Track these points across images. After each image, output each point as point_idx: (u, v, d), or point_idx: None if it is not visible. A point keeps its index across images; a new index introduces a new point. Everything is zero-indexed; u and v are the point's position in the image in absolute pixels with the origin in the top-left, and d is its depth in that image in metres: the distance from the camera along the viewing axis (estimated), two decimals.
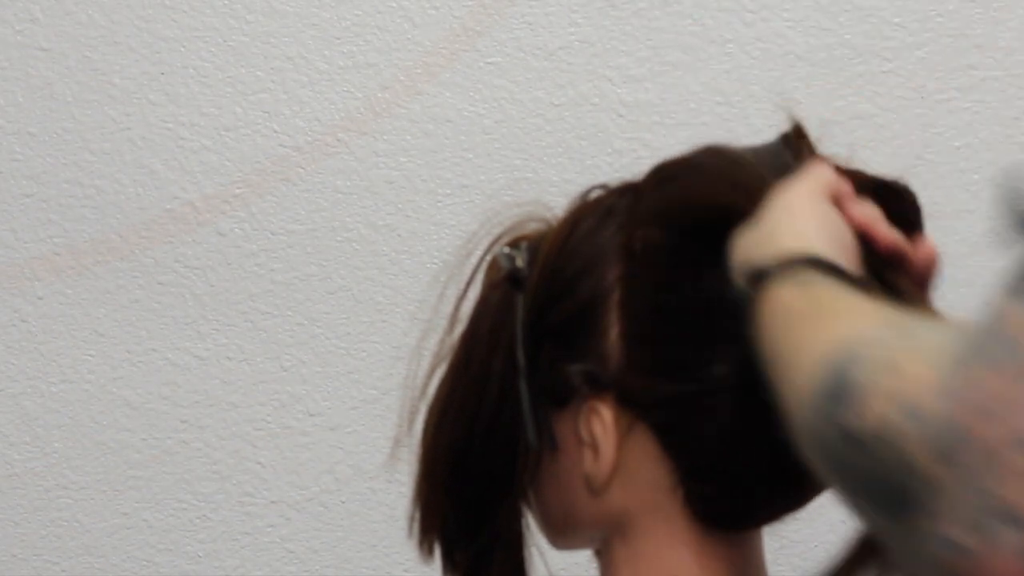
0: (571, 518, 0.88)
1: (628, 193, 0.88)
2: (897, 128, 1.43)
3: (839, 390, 0.62)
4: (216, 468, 1.47)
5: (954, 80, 1.43)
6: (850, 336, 0.66)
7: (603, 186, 0.90)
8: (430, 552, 0.89)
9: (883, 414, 0.60)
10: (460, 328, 0.90)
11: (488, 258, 0.90)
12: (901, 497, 0.59)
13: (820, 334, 0.69)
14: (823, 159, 0.86)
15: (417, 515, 0.89)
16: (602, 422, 0.84)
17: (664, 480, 0.85)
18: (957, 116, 1.43)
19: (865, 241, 0.82)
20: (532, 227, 0.90)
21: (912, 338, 0.63)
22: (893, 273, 0.83)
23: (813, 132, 0.88)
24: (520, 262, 0.87)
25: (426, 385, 0.90)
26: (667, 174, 0.88)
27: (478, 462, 0.87)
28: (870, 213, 0.83)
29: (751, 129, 1.35)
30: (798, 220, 0.79)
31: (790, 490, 0.86)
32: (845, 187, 0.82)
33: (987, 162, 1.42)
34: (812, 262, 0.75)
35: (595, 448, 0.85)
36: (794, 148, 0.87)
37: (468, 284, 0.91)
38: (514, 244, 0.89)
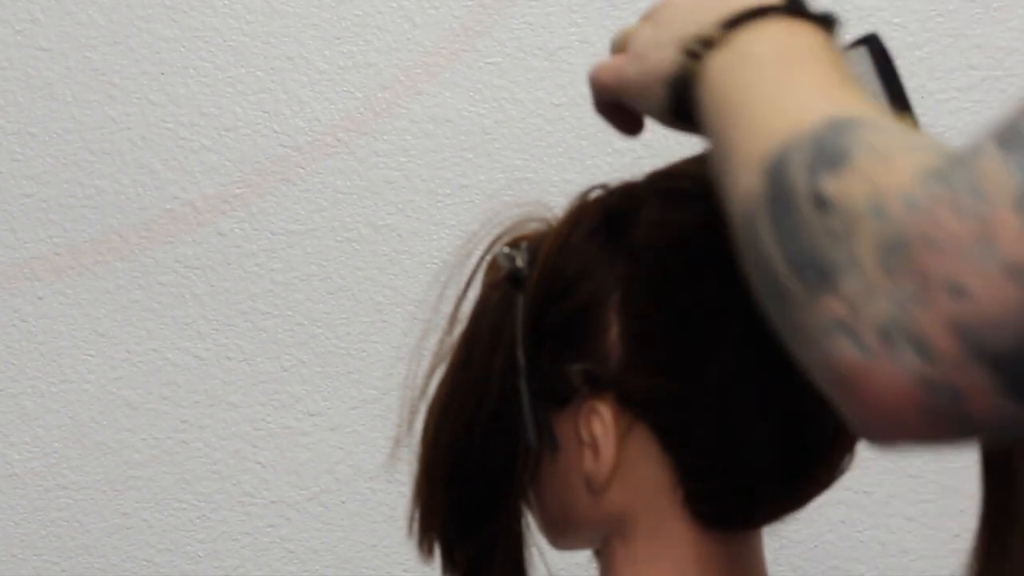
0: (571, 518, 0.88)
1: (628, 193, 0.88)
2: None
3: (834, 152, 0.62)
4: (216, 468, 1.47)
5: (954, 80, 1.43)
6: (852, 103, 0.66)
7: (603, 186, 0.90)
8: (430, 552, 0.89)
9: (857, 194, 0.60)
10: (460, 328, 0.90)
11: (488, 258, 0.90)
12: (829, 275, 0.60)
13: (816, 84, 0.68)
14: None
15: (417, 515, 0.89)
16: (602, 422, 0.84)
17: (664, 480, 0.85)
18: (957, 116, 1.43)
19: None
20: (532, 227, 0.90)
21: (909, 136, 0.64)
22: None
23: None
24: (520, 262, 0.87)
25: (426, 385, 0.90)
26: (667, 175, 0.88)
27: (478, 462, 0.87)
28: None
29: None
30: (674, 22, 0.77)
31: (790, 490, 0.86)
32: None
33: None
34: (782, 8, 0.73)
35: (595, 448, 0.85)
36: None
37: (468, 284, 0.91)
38: (514, 244, 0.89)
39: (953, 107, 1.42)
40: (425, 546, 0.89)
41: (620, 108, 0.83)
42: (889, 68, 0.84)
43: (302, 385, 1.47)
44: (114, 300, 1.47)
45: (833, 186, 0.61)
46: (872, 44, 0.83)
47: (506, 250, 0.88)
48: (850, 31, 1.47)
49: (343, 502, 1.47)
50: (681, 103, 0.75)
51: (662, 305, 0.84)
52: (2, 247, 1.47)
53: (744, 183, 0.66)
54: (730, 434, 0.83)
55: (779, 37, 0.72)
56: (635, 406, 0.84)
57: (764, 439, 0.84)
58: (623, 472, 0.85)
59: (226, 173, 1.46)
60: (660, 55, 0.76)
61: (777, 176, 0.64)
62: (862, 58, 0.84)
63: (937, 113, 1.42)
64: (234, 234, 1.46)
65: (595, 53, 1.44)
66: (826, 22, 0.74)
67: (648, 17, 0.80)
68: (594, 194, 0.89)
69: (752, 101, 0.69)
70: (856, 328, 0.59)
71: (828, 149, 0.63)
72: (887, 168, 0.60)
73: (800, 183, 0.62)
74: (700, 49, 0.73)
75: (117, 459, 1.47)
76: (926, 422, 0.58)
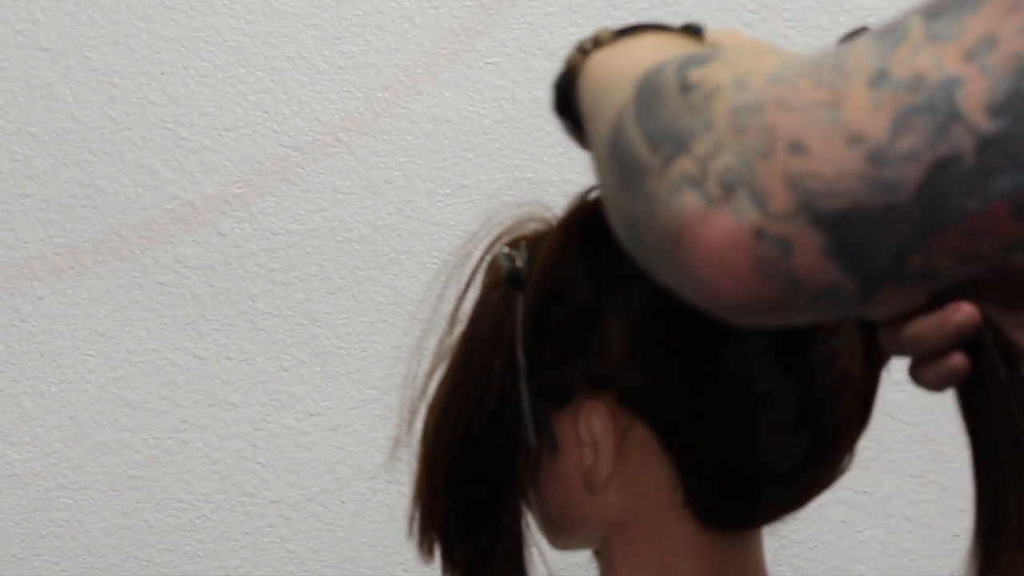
0: (571, 518, 0.88)
1: None
2: None
3: (705, 55, 0.66)
4: (216, 468, 1.47)
5: None
6: (714, 47, 0.70)
7: None
8: (430, 552, 0.89)
9: (721, 74, 0.63)
10: (460, 328, 0.90)
11: (488, 258, 0.90)
12: (684, 141, 0.62)
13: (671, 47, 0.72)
14: None
15: (417, 515, 0.89)
16: (602, 422, 0.84)
17: (664, 479, 0.85)
18: None
19: None
20: (532, 227, 0.90)
21: (785, 55, 0.67)
22: None
23: None
24: (520, 262, 0.87)
25: (426, 385, 0.90)
26: None
27: (478, 462, 0.87)
28: None
29: None
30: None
31: (790, 490, 0.86)
32: None
33: None
34: (645, 27, 0.77)
35: (595, 447, 0.85)
36: None
37: (468, 284, 0.91)
38: (514, 244, 0.89)
39: None
40: (425, 546, 0.89)
41: None
42: None
43: (302, 385, 1.46)
44: (114, 300, 1.47)
45: (699, 72, 0.64)
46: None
47: (506, 250, 0.88)
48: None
49: (343, 502, 1.47)
50: (563, 99, 0.78)
51: (662, 305, 0.84)
52: (2, 247, 1.47)
53: (614, 100, 0.68)
54: (730, 434, 0.83)
55: (661, 37, 0.76)
56: (635, 406, 0.84)
57: (764, 439, 0.84)
58: (623, 472, 0.85)
59: (226, 173, 1.46)
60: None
61: (647, 80, 0.66)
62: None
63: None
64: (234, 234, 1.46)
65: None
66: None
67: None
68: (594, 194, 0.89)
69: (629, 60, 0.72)
70: (702, 180, 0.61)
71: (700, 55, 0.66)
72: (755, 59, 0.64)
73: (669, 77, 0.65)
74: (589, 47, 0.77)
75: (117, 459, 1.47)
76: (756, 274, 0.60)
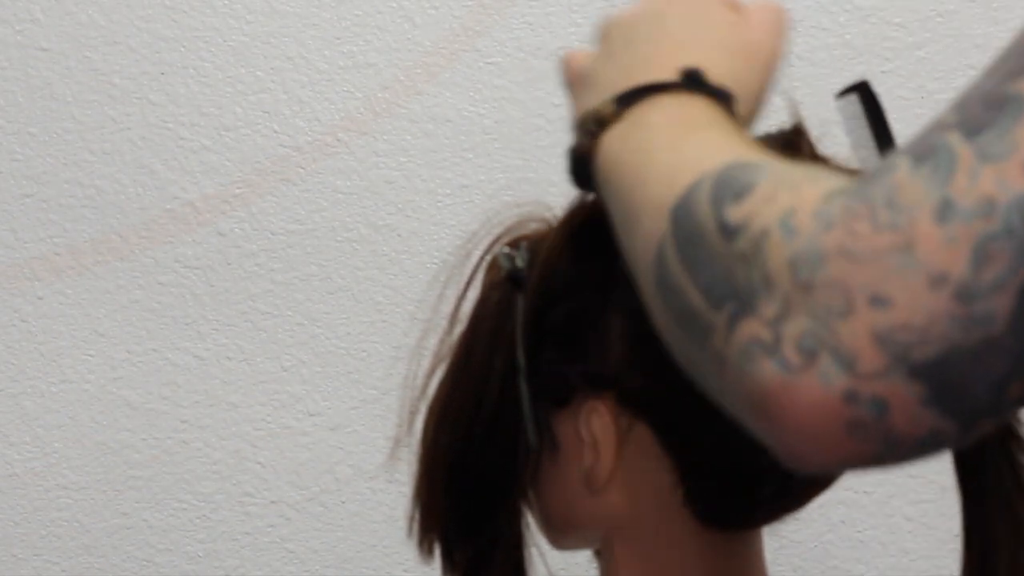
0: (571, 518, 0.88)
1: None
2: (897, 128, 1.43)
3: (738, 185, 0.62)
4: (216, 468, 1.47)
5: (954, 80, 1.43)
6: (756, 154, 0.66)
7: None
8: (430, 552, 0.89)
9: (765, 214, 0.60)
10: (460, 328, 0.90)
11: (488, 258, 0.90)
12: (746, 299, 0.59)
13: (716, 141, 0.68)
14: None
15: (417, 515, 0.89)
16: (602, 422, 0.84)
17: (664, 480, 0.85)
18: None
19: None
20: (532, 227, 0.90)
21: (815, 170, 0.64)
22: None
23: (813, 132, 0.88)
24: (520, 262, 0.87)
25: (426, 385, 0.90)
26: None
27: (478, 462, 0.87)
28: None
29: (751, 129, 1.35)
30: (675, 28, 0.77)
31: (790, 490, 0.86)
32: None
33: None
34: (692, 81, 0.73)
35: (595, 448, 0.85)
36: (794, 148, 0.87)
37: (468, 284, 0.91)
38: (514, 244, 0.89)
39: None
40: (425, 546, 0.89)
41: None
42: (879, 116, 0.84)
43: (302, 385, 1.46)
44: (114, 300, 1.47)
45: (738, 213, 0.61)
46: (862, 91, 0.84)
47: (506, 250, 0.88)
48: (850, 31, 1.48)
49: (343, 502, 1.47)
50: (580, 179, 0.76)
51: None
52: (2, 247, 1.47)
53: (648, 228, 0.65)
54: (730, 434, 0.83)
55: (673, 108, 0.72)
56: (635, 406, 0.84)
57: None
58: (623, 472, 0.85)
59: (226, 173, 1.46)
60: (582, 103, 0.77)
61: (681, 213, 0.63)
62: (852, 105, 0.84)
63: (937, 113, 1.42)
64: (234, 234, 1.46)
65: None
66: (723, 97, 0.73)
67: (602, 38, 0.81)
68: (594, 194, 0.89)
69: (650, 160, 0.68)
70: (776, 346, 0.58)
71: (731, 182, 0.62)
72: (793, 192, 0.60)
73: (705, 215, 0.62)
74: (595, 128, 0.73)
75: (117, 459, 1.47)
76: (850, 438, 0.57)
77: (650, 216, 0.65)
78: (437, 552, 0.89)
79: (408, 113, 1.46)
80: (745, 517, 0.86)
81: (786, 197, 0.60)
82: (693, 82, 0.73)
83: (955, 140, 0.57)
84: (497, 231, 0.91)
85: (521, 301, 0.86)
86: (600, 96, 0.74)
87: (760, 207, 0.60)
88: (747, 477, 0.84)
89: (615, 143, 0.72)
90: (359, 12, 1.46)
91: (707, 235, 0.61)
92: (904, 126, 1.54)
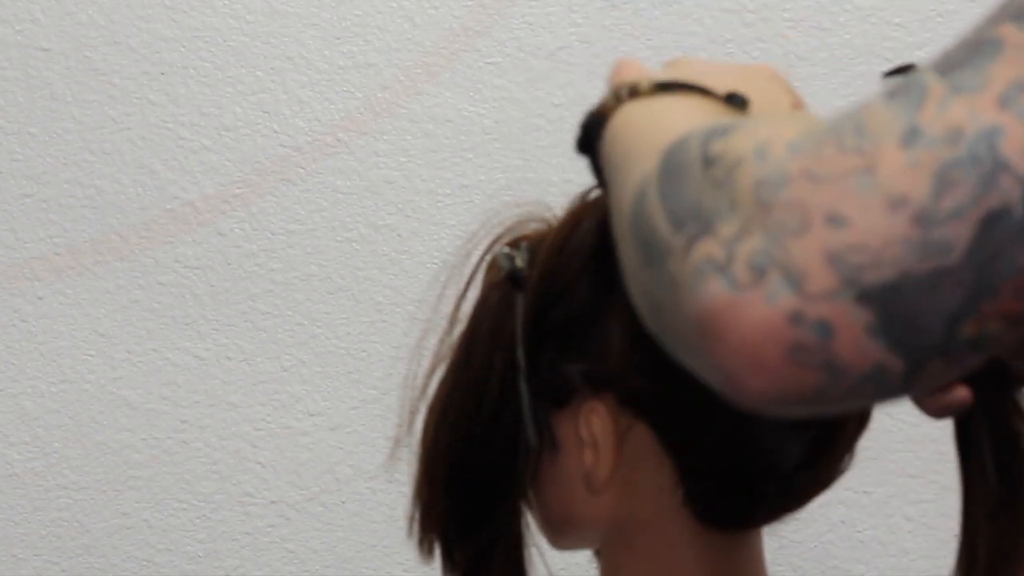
0: (571, 518, 0.88)
1: None
2: None
3: (727, 126, 0.62)
4: (216, 468, 1.47)
5: None
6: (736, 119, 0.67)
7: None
8: (430, 552, 0.89)
9: (742, 144, 0.60)
10: (460, 328, 0.90)
11: (488, 258, 0.90)
12: (708, 221, 0.59)
13: (695, 116, 0.68)
14: None
15: (417, 515, 0.89)
16: (602, 422, 0.84)
17: (664, 480, 0.85)
18: None
19: None
20: (532, 227, 0.90)
21: (802, 118, 0.64)
22: None
23: None
24: (520, 262, 0.87)
25: (426, 385, 0.90)
26: None
27: (478, 462, 0.87)
28: None
29: None
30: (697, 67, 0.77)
31: (790, 490, 0.86)
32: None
33: None
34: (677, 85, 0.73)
35: (595, 448, 0.85)
36: None
37: (468, 284, 0.91)
38: (514, 244, 0.89)
39: None
40: (425, 546, 0.89)
41: None
42: None
43: (302, 385, 1.46)
44: (114, 300, 1.47)
45: (721, 144, 0.61)
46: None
47: (506, 250, 0.88)
48: (850, 31, 1.48)
49: (343, 502, 1.47)
50: (587, 139, 0.75)
51: None
52: (2, 247, 1.47)
53: (639, 170, 0.65)
54: (730, 434, 0.83)
55: (705, 106, 0.72)
56: (635, 406, 0.84)
57: (764, 439, 0.84)
58: (623, 472, 0.85)
59: (226, 173, 1.46)
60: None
61: (672, 151, 0.63)
62: None
63: None
64: (234, 234, 1.46)
65: (595, 53, 1.44)
66: None
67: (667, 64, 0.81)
68: (594, 194, 0.89)
69: (660, 121, 0.69)
70: (728, 265, 0.57)
71: (722, 126, 0.63)
72: (773, 127, 0.60)
73: (692, 151, 0.62)
74: (624, 95, 0.73)
75: (117, 459, 1.47)
76: (791, 362, 0.56)
77: (644, 158, 0.65)
78: (437, 552, 0.89)
79: (408, 113, 1.46)
80: (745, 517, 0.86)
81: (765, 131, 0.60)
82: (736, 102, 0.73)
83: (930, 77, 0.58)
84: (497, 231, 0.91)
85: (521, 301, 0.86)
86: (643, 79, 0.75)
87: (741, 139, 0.60)
88: (747, 477, 0.84)
89: (636, 108, 0.72)
90: (359, 12, 1.46)
91: (689, 167, 0.61)
92: None
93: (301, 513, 1.47)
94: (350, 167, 1.46)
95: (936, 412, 0.76)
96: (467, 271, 0.91)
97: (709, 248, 0.58)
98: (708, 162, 0.60)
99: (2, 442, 1.47)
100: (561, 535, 0.90)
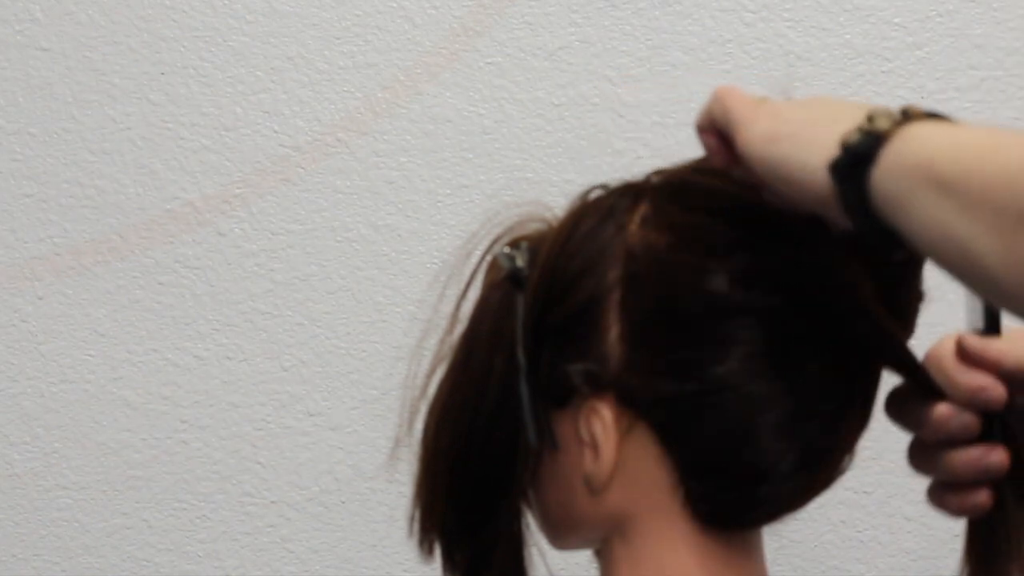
0: (571, 518, 0.88)
1: (629, 193, 0.88)
2: None
3: None
4: (216, 468, 1.47)
5: (954, 80, 1.43)
6: None
7: (603, 186, 0.90)
8: (430, 552, 0.89)
9: None
10: (460, 328, 0.90)
11: (488, 258, 0.90)
12: None
13: None
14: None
15: (417, 515, 0.89)
16: (602, 422, 0.84)
17: (664, 479, 0.85)
18: (957, 116, 1.42)
19: None
20: (532, 227, 0.90)
21: None
22: None
23: None
24: (520, 262, 0.87)
25: (426, 385, 0.90)
26: (668, 175, 0.88)
27: (478, 462, 0.87)
28: None
29: None
30: (832, 105, 0.75)
31: (790, 490, 0.86)
32: None
33: None
34: (920, 114, 0.70)
35: (595, 448, 0.85)
36: None
37: (468, 284, 0.91)
38: (514, 244, 0.89)
39: (953, 107, 1.42)
40: (425, 546, 0.89)
41: (723, 136, 0.81)
42: None
43: (302, 385, 1.46)
44: (114, 300, 1.47)
45: None
46: None
47: (506, 250, 0.88)
48: (850, 31, 1.48)
49: (343, 502, 1.47)
50: (849, 188, 0.71)
51: (663, 305, 0.84)
52: (2, 247, 1.47)
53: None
54: (730, 434, 0.83)
55: (947, 126, 0.70)
56: (635, 406, 0.84)
57: (765, 439, 0.84)
58: (623, 472, 0.85)
59: (226, 173, 1.46)
60: (816, 139, 0.73)
61: None
62: None
63: None
64: (234, 234, 1.46)
65: (595, 53, 1.44)
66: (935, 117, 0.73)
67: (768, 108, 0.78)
68: (594, 194, 0.89)
69: (994, 141, 0.66)
70: None
71: None
72: None
73: None
74: (900, 118, 0.70)
75: (117, 459, 1.47)
76: None
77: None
78: (437, 552, 0.89)
79: (408, 113, 1.46)
80: (745, 517, 0.86)
81: None
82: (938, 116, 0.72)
83: None
84: (497, 231, 0.91)
85: (521, 301, 0.86)
86: (819, 126, 0.72)
87: None
88: (747, 477, 0.84)
89: (943, 131, 0.69)
90: (359, 12, 1.46)
91: None
92: None
93: (301, 513, 1.47)
94: (350, 167, 1.46)
95: (955, 510, 0.76)
96: (467, 271, 0.91)
97: None
98: None
99: (2, 442, 1.47)
100: (561, 535, 0.90)
